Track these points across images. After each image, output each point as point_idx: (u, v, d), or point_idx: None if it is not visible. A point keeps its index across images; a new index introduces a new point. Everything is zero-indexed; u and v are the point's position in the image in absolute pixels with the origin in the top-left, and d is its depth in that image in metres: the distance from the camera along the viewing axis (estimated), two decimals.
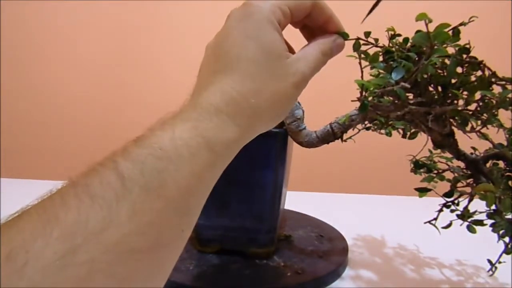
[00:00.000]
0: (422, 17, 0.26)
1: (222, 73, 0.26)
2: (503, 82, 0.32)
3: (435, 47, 0.29)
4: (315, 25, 0.31)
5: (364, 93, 0.34)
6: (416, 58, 0.33)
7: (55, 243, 0.17)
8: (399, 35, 0.34)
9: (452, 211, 0.42)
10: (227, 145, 0.24)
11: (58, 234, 0.17)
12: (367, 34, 0.33)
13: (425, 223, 0.43)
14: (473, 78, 0.34)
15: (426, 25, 0.26)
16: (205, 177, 0.23)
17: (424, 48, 0.30)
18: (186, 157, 0.22)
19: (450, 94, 0.35)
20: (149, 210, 0.20)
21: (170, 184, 0.21)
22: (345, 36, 0.31)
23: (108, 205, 0.19)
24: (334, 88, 1.01)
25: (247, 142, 0.27)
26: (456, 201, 0.42)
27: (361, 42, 0.33)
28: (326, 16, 0.30)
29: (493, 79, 0.32)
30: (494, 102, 0.34)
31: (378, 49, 0.34)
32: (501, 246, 0.38)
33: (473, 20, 0.31)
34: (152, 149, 0.22)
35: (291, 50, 0.30)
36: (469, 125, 0.38)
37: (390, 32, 0.34)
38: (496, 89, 0.34)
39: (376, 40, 0.33)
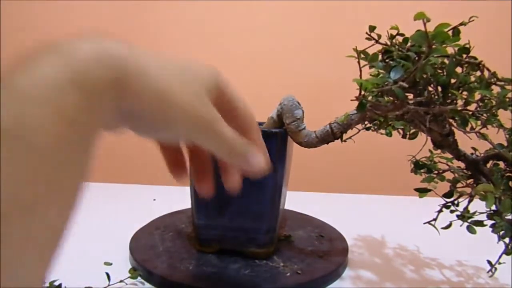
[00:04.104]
0: (420, 16, 0.25)
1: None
2: (503, 83, 0.32)
3: (433, 46, 0.29)
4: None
5: (362, 92, 0.34)
6: (416, 58, 0.33)
7: None
8: (402, 34, 0.34)
9: (452, 211, 0.42)
10: (98, 85, 0.20)
11: None
12: (372, 28, 0.33)
13: (424, 223, 0.43)
14: (472, 78, 0.34)
15: (424, 24, 0.26)
16: (78, 122, 0.19)
17: (423, 48, 0.30)
18: (52, 97, 0.18)
19: (449, 94, 0.35)
20: (14, 164, 0.15)
21: (36, 131, 0.17)
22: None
23: None
24: (334, 88, 1.01)
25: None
26: (456, 202, 0.42)
27: (365, 38, 0.33)
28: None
29: (492, 80, 0.32)
30: (494, 102, 0.34)
31: (379, 47, 0.34)
32: (501, 247, 0.38)
33: (473, 20, 0.31)
34: (9, 90, 0.17)
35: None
36: (469, 125, 0.38)
37: (390, 32, 0.34)
38: (496, 89, 0.34)
39: (379, 36, 0.33)
